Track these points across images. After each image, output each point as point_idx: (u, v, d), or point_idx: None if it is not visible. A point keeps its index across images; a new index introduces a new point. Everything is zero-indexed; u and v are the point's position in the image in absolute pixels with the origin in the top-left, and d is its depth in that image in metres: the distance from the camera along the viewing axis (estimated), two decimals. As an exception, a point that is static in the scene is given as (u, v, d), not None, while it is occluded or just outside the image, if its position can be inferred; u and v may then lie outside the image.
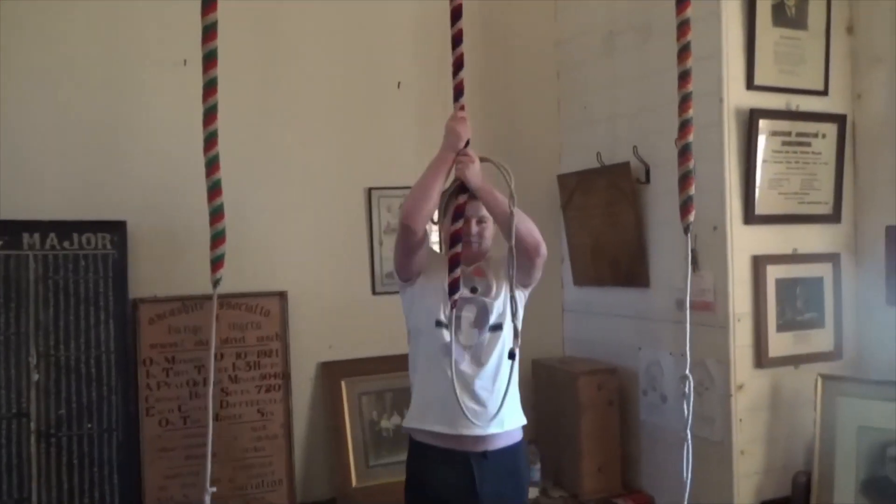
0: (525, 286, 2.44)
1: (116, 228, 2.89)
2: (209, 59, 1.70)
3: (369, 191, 3.37)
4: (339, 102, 3.33)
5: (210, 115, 1.68)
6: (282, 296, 3.16)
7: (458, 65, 2.24)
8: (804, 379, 2.88)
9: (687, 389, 1.95)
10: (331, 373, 3.27)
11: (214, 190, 1.67)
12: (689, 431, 1.96)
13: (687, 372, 1.97)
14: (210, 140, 1.66)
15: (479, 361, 2.35)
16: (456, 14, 2.25)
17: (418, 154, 3.46)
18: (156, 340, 2.96)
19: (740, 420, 2.81)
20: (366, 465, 3.23)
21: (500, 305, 2.39)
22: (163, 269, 3.01)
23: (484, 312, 2.37)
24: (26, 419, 2.70)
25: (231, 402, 3.05)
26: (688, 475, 1.97)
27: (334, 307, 3.30)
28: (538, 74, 3.75)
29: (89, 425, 2.79)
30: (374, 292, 3.39)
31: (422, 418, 2.39)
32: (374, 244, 3.38)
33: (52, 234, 2.80)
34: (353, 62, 3.36)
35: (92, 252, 2.85)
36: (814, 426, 2.81)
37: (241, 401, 3.06)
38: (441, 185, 2.30)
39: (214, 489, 1.76)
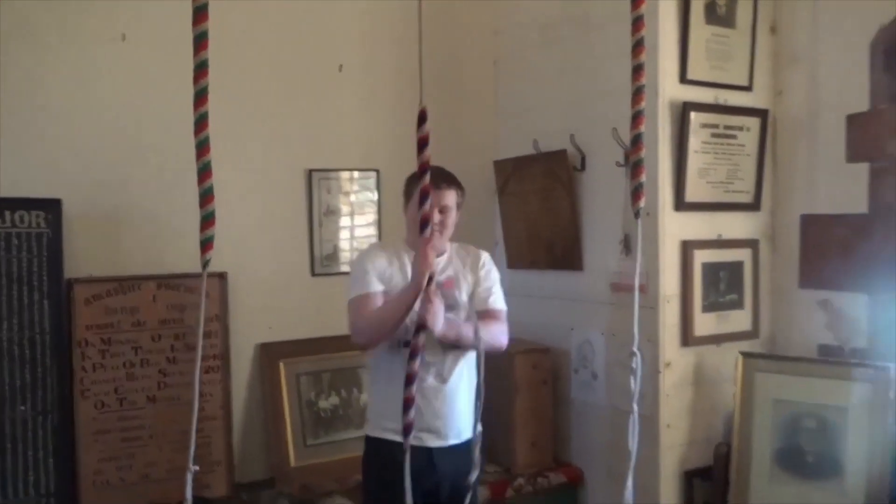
0: None
1: (51, 206, 2.79)
2: (200, 41, 1.67)
3: (310, 172, 3.37)
4: (280, 84, 3.30)
5: (201, 97, 1.65)
6: (221, 277, 3.13)
7: (423, 170, 2.17)
8: (725, 356, 3.07)
9: (634, 364, 2.06)
10: (270, 354, 3.26)
11: (205, 172, 1.65)
12: (635, 405, 2.07)
13: (634, 349, 2.08)
14: (200, 122, 1.64)
15: (442, 378, 2.44)
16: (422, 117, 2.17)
17: (359, 136, 3.50)
18: (92, 321, 2.89)
19: (667, 395, 2.99)
20: (304, 444, 3.25)
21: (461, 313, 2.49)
22: (99, 248, 2.94)
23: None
24: (-44, 402, 2.61)
25: (169, 383, 3.01)
26: (634, 445, 2.07)
27: (274, 288, 3.29)
28: (476, 62, 3.81)
29: (23, 408, 2.71)
30: (313, 274, 3.40)
31: (384, 430, 2.46)
32: (313, 226, 3.39)
33: (-16, 212, 2.70)
34: (294, 44, 3.34)
35: (25, 230, 2.75)
36: (734, 400, 3.00)
37: (180, 382, 3.03)
38: (403, 320, 2.30)
39: (197, 468, 1.75)
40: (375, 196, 3.49)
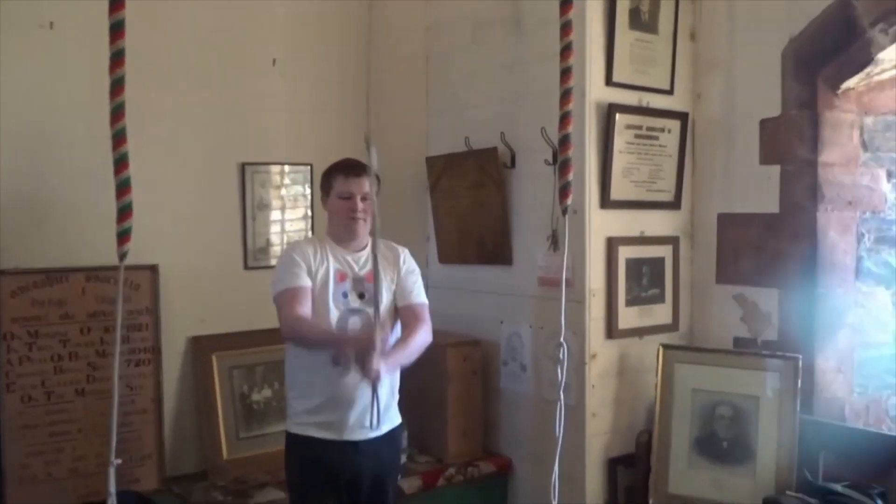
0: None
1: (-25, 196, 2.75)
2: (117, 30, 1.69)
3: (243, 166, 3.38)
4: (214, 77, 3.29)
5: (117, 86, 1.68)
6: (153, 269, 3.11)
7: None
8: (647, 348, 3.21)
9: (562, 355, 2.17)
10: (202, 347, 3.26)
11: (121, 163, 1.67)
12: (561, 393, 2.18)
13: (562, 339, 2.19)
14: (117, 112, 1.66)
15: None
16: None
17: (291, 131, 3.51)
18: (18, 314, 2.84)
19: (593, 386, 3.11)
20: (236, 437, 3.26)
21: (386, 315, 2.53)
22: (25, 239, 2.88)
23: (370, 323, 2.42)
24: None
25: (98, 376, 2.98)
26: (560, 432, 2.19)
27: (206, 281, 3.28)
28: (408, 59, 3.86)
29: (-55, 402, 2.66)
30: (245, 267, 3.40)
31: (306, 427, 2.50)
32: (246, 219, 3.39)
33: None
34: (228, 37, 3.33)
35: (-52, 221, 2.70)
36: (655, 390, 3.13)
37: (109, 375, 2.97)
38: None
39: (119, 461, 1.77)
40: (308, 190, 3.51)
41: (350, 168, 2.56)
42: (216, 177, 3.33)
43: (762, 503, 2.76)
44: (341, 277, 2.52)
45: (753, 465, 2.92)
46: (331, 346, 2.35)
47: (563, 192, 2.10)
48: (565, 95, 2.10)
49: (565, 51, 2.09)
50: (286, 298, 2.45)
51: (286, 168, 3.49)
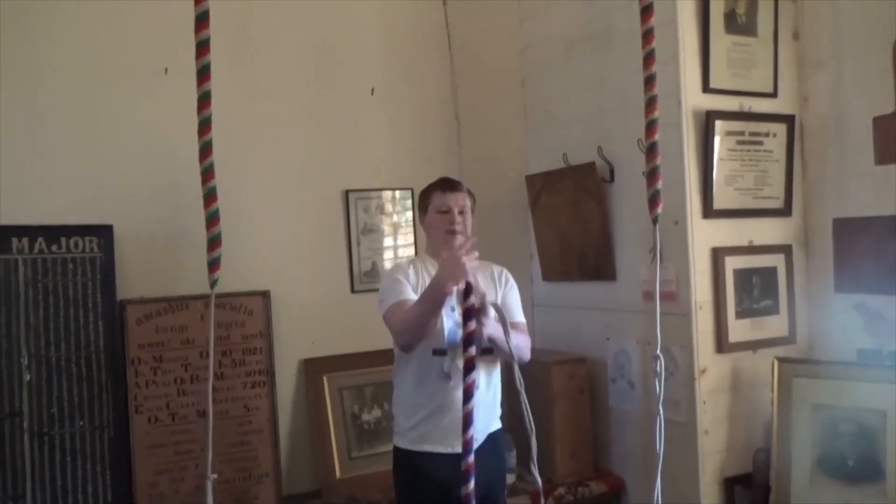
0: None
1: (103, 232, 2.97)
2: (203, 74, 1.78)
3: (346, 193, 3.50)
4: (315, 109, 3.45)
5: (205, 126, 1.76)
6: (265, 295, 3.26)
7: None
8: (761, 362, 3.07)
9: (658, 368, 2.11)
10: (313, 369, 3.38)
11: (210, 196, 1.76)
12: (660, 406, 2.12)
13: (658, 352, 2.14)
14: (205, 149, 1.75)
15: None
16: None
17: (392, 157, 3.62)
18: (143, 340, 3.04)
19: (704, 402, 3.00)
20: (348, 457, 3.35)
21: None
22: (148, 271, 3.10)
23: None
24: (19, 418, 2.77)
25: (217, 398, 3.13)
26: (660, 447, 2.12)
27: (315, 305, 3.41)
28: (504, 81, 3.91)
29: (81, 423, 2.87)
30: (352, 290, 3.52)
31: (414, 441, 2.55)
32: (352, 244, 3.51)
33: (41, 239, 2.87)
34: (327, 69, 3.49)
35: (80, 255, 2.93)
36: (771, 406, 2.99)
37: (228, 397, 3.16)
38: (437, 310, 2.37)
39: (216, 475, 1.85)
40: (410, 214, 3.60)
41: (446, 183, 2.65)
42: (322, 205, 3.47)
43: (893, 524, 2.58)
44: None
45: (883, 483, 2.73)
46: (435, 292, 2.30)
47: (653, 201, 2.05)
48: (650, 104, 2.06)
49: (648, 59, 2.05)
50: (394, 310, 2.50)
51: (388, 193, 3.60)
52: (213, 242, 1.70)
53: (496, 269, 2.73)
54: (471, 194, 2.66)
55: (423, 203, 2.70)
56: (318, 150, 3.46)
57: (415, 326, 2.39)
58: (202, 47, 1.70)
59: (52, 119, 2.98)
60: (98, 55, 3.06)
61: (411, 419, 2.58)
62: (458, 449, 2.45)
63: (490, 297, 2.58)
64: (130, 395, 2.99)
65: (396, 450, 2.63)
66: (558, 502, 3.25)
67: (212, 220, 1.70)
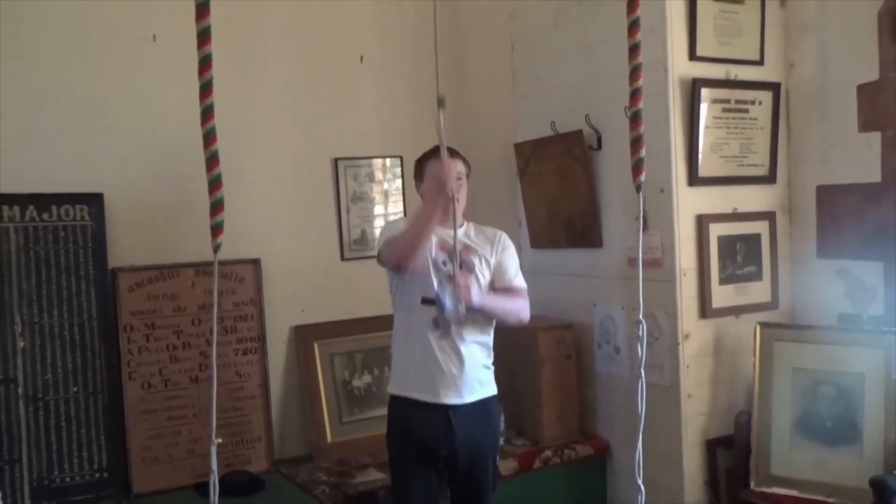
0: None
1: (94, 200, 2.98)
2: (203, 36, 1.77)
3: (336, 161, 3.52)
4: (304, 77, 3.45)
5: (206, 89, 1.76)
6: (255, 263, 3.29)
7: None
8: (744, 327, 3.13)
9: (640, 333, 2.16)
10: (304, 335, 3.42)
11: (212, 160, 1.75)
12: (642, 370, 2.17)
13: (640, 317, 2.19)
14: (207, 113, 1.75)
15: (461, 336, 2.56)
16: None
17: (381, 124, 3.63)
18: (135, 307, 3.07)
19: (687, 366, 3.06)
20: (339, 421, 3.41)
21: (481, 282, 2.61)
22: (140, 239, 3.12)
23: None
24: (14, 384, 2.81)
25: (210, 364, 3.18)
26: (642, 409, 2.18)
27: (305, 273, 3.45)
28: (493, 47, 3.90)
29: (75, 389, 2.91)
30: (342, 258, 3.55)
31: (404, 387, 2.61)
32: (341, 212, 3.53)
33: (32, 207, 2.89)
34: (316, 37, 3.48)
35: (70, 223, 2.94)
36: (753, 369, 3.05)
37: (220, 363, 3.19)
38: (428, 230, 2.48)
39: (220, 440, 1.89)
40: (399, 182, 3.62)
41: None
42: (311, 173, 3.49)
43: (868, 483, 2.65)
44: (441, 248, 2.60)
45: (860, 444, 2.81)
46: (425, 220, 2.45)
47: (636, 169, 2.08)
48: (635, 72, 2.08)
49: (633, 27, 2.07)
50: (389, 241, 2.57)
51: (377, 161, 3.61)
52: (216, 207, 1.70)
53: (494, 231, 2.77)
54: (466, 161, 2.69)
55: (419, 170, 2.72)
56: (307, 119, 3.46)
57: (404, 242, 2.48)
58: (202, 10, 1.69)
59: (41, 88, 2.97)
60: (85, 23, 3.04)
61: (400, 366, 2.65)
62: (444, 399, 2.53)
63: (482, 259, 2.63)
64: (123, 362, 3.03)
65: (390, 399, 2.69)
66: (545, 464, 3.31)
67: (214, 184, 1.70)
